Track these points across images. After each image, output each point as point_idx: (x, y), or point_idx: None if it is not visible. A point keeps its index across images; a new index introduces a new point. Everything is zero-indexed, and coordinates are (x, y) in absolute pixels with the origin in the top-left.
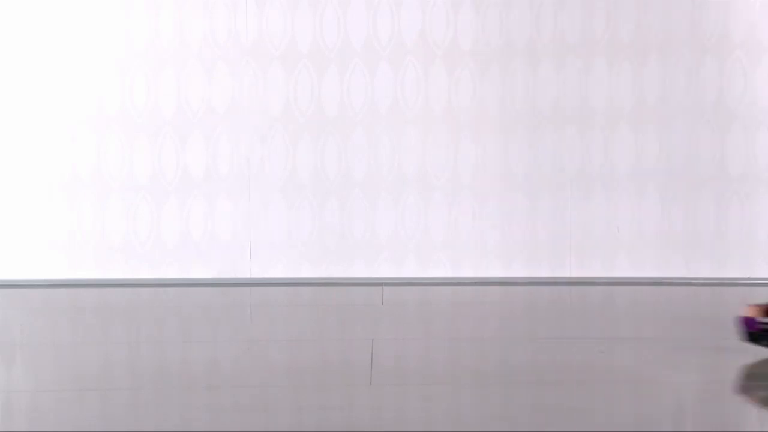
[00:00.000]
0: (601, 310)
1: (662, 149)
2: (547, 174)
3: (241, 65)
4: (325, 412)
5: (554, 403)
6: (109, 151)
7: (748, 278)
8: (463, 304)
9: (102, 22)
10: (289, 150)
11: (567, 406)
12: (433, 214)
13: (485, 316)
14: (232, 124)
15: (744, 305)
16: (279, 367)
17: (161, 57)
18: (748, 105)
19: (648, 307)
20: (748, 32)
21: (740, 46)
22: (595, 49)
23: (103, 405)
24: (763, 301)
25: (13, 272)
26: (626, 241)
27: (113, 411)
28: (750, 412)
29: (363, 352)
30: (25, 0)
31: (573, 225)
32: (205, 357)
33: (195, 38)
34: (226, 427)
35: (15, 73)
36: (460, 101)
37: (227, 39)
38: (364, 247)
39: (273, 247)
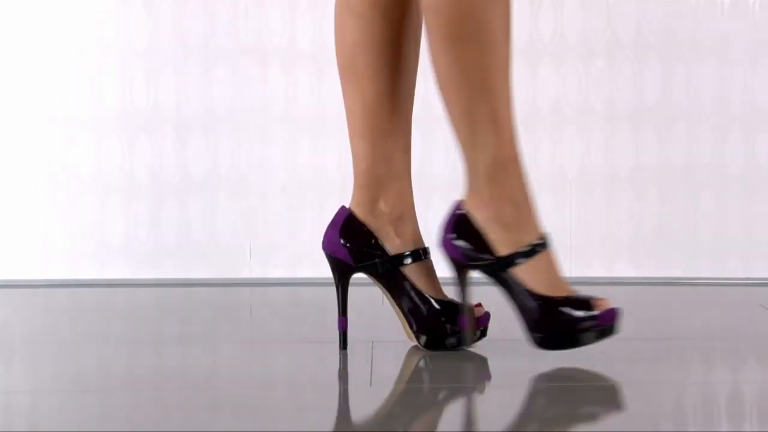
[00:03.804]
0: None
1: (662, 149)
2: (547, 174)
3: (241, 65)
4: (324, 413)
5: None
6: (109, 151)
7: (748, 278)
8: None
9: (102, 22)
10: (289, 150)
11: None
12: (433, 214)
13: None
14: (232, 124)
15: None
16: (277, 368)
17: (161, 57)
18: (748, 105)
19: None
20: (748, 32)
21: (740, 46)
22: (595, 49)
23: (103, 405)
24: None
25: (12, 272)
26: (626, 241)
27: (113, 411)
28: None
29: (362, 353)
30: (25, 0)
31: (573, 225)
32: (205, 357)
33: (195, 38)
34: (227, 428)
35: (14, 72)
36: None
37: (227, 39)
38: None
39: (273, 247)
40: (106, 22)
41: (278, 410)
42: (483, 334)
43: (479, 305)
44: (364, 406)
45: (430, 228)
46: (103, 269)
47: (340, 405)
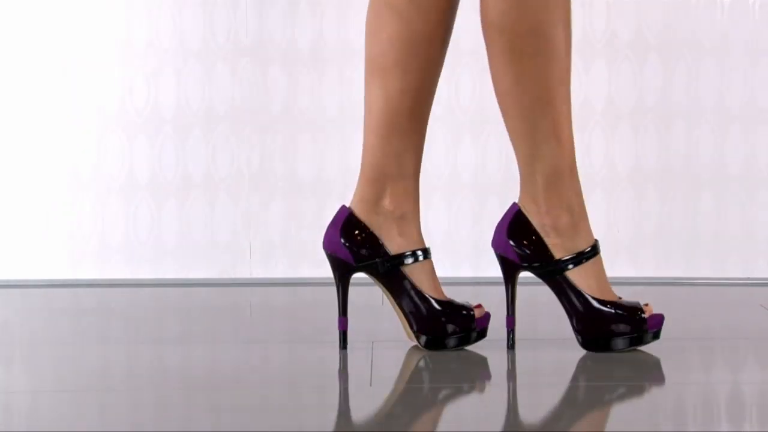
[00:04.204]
0: None
1: (662, 149)
2: None
3: (241, 65)
4: (324, 413)
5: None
6: (109, 151)
7: (748, 278)
8: None
9: (102, 22)
10: (289, 150)
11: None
12: (433, 214)
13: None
14: (232, 124)
15: None
16: (277, 368)
17: (161, 57)
18: (748, 105)
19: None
20: (748, 32)
21: (740, 46)
22: (595, 49)
23: (103, 405)
24: None
25: (12, 272)
26: (626, 241)
27: (113, 411)
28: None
29: (362, 353)
30: (25, 0)
31: None
32: (205, 357)
33: (195, 38)
34: (227, 428)
35: (14, 72)
36: (460, 101)
37: (227, 39)
38: None
39: (273, 247)
40: (106, 22)
41: (278, 410)
42: (483, 334)
43: (479, 306)
44: (364, 406)
45: (431, 228)
46: (103, 269)
47: (340, 405)
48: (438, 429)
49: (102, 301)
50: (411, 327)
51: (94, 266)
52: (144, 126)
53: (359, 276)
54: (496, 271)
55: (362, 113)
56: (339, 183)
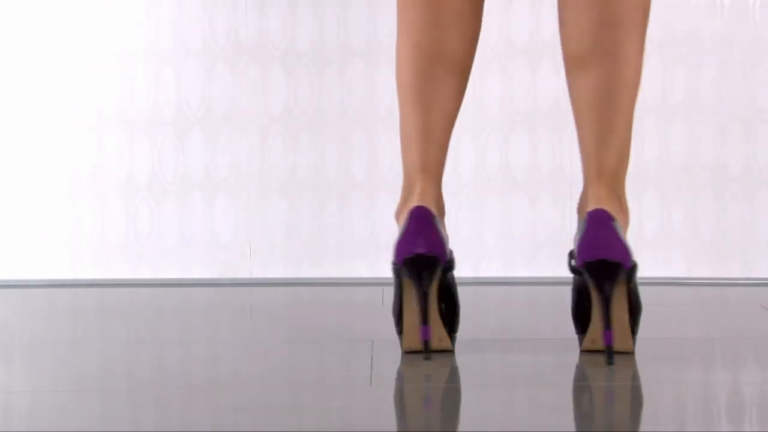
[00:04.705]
0: None
1: (662, 149)
2: (547, 174)
3: (241, 65)
4: (324, 413)
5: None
6: (109, 151)
7: (748, 278)
8: (463, 304)
9: (102, 22)
10: (289, 150)
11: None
12: None
13: (484, 315)
14: (232, 124)
15: None
16: (277, 368)
17: (161, 57)
18: (748, 105)
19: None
20: (748, 32)
21: (740, 46)
22: None
23: (103, 405)
24: None
25: (12, 272)
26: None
27: (113, 411)
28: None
29: (362, 353)
30: (26, 1)
31: (573, 225)
32: (205, 357)
33: (195, 38)
34: (227, 428)
35: (14, 72)
36: None
37: (227, 39)
38: (364, 247)
39: (273, 247)
40: (106, 22)
41: (278, 410)
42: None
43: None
44: (364, 406)
45: None
46: (103, 269)
47: (340, 405)
48: (438, 429)
49: (102, 301)
50: (453, 329)
51: (94, 266)
52: (144, 126)
53: (359, 276)
54: (495, 271)
55: (360, 113)
56: (339, 183)
